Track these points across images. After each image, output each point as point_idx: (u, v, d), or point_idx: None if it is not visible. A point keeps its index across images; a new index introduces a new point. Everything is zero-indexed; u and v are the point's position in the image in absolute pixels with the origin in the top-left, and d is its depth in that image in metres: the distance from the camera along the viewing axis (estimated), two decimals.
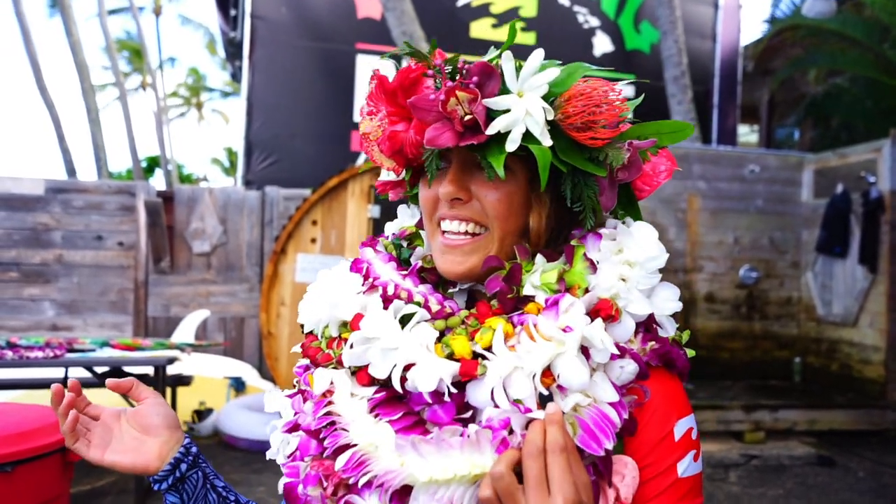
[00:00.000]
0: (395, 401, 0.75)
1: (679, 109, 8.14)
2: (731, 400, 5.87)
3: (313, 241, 6.34)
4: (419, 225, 0.94)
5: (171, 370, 4.84)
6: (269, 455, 0.89)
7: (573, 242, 0.80)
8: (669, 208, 6.72)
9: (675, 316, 0.81)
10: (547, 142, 0.75)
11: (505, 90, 0.75)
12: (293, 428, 0.83)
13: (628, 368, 0.74)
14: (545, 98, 0.76)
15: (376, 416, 0.74)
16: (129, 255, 6.82)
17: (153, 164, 24.49)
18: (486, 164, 0.77)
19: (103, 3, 16.77)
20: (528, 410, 0.69)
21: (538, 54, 0.75)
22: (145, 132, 60.24)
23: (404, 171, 0.91)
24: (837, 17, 8.63)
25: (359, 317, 0.79)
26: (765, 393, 6.30)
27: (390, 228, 0.98)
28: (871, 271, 6.13)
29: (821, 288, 6.80)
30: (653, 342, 0.78)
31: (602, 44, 9.42)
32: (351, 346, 0.77)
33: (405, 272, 0.86)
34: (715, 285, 6.86)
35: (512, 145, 0.74)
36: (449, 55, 0.80)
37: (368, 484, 0.71)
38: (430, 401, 0.72)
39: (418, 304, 0.80)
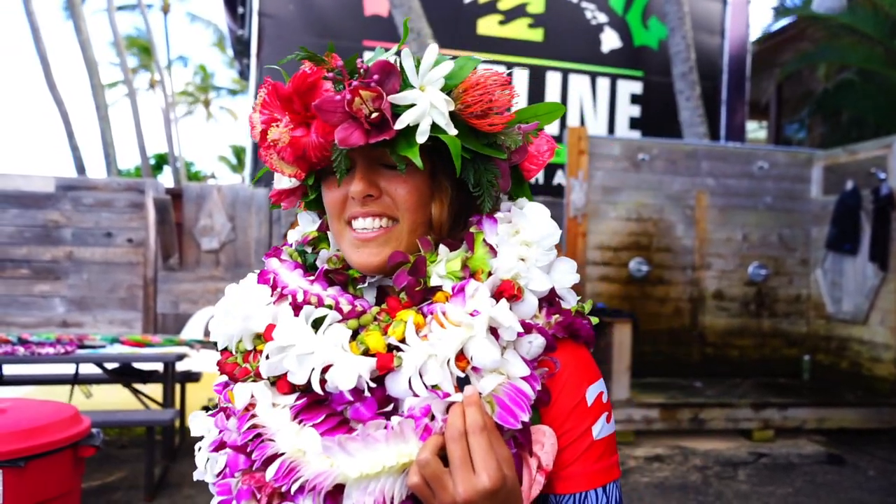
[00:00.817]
0: (317, 405, 0.76)
1: (687, 106, 8.11)
2: (739, 398, 5.85)
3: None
4: (321, 229, 0.95)
5: (180, 366, 4.87)
6: (196, 476, 0.88)
7: (472, 229, 0.84)
8: (678, 205, 6.70)
9: (576, 288, 0.86)
10: (452, 131, 0.77)
11: (405, 86, 0.78)
12: (219, 446, 0.82)
13: (536, 342, 0.77)
14: (442, 91, 0.79)
15: (300, 422, 0.75)
16: (139, 252, 6.86)
17: (161, 161, 24.60)
18: (398, 159, 0.78)
19: (112, 0, 16.83)
20: (447, 395, 0.71)
21: (433, 49, 0.78)
22: (154, 130, 60.44)
23: (306, 177, 0.89)
24: (848, 11, 8.57)
25: (271, 327, 0.80)
26: (774, 391, 6.27)
27: (293, 236, 0.98)
28: (881, 269, 6.09)
29: (830, 285, 6.76)
30: (557, 315, 0.81)
31: (610, 40, 9.39)
32: (267, 357, 0.77)
33: (312, 277, 0.87)
34: (723, 282, 6.83)
35: (422, 137, 0.76)
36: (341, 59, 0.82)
37: (301, 489, 0.72)
38: (351, 399, 0.73)
39: (329, 307, 0.81)
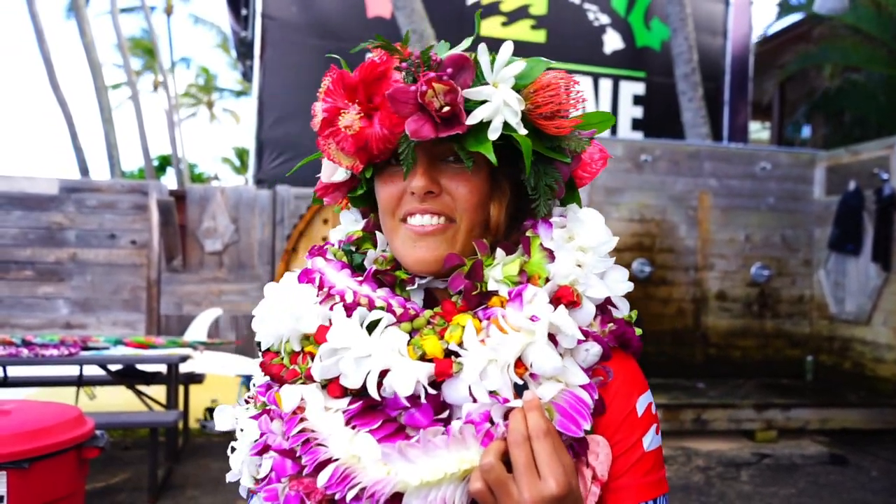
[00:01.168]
0: (371, 410, 0.74)
1: (689, 107, 8.11)
2: (742, 398, 5.85)
3: (324, 239, 6.36)
4: (366, 229, 0.92)
5: (183, 368, 4.88)
6: (230, 477, 0.86)
7: (528, 233, 0.82)
8: (680, 206, 6.69)
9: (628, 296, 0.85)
10: (522, 130, 0.76)
11: (477, 83, 0.77)
12: (263, 450, 0.80)
13: (593, 351, 0.76)
14: (512, 90, 0.78)
15: (354, 427, 0.73)
16: (142, 254, 6.88)
17: (165, 163, 24.65)
18: (465, 155, 0.77)
19: (115, 2, 16.88)
20: (507, 401, 0.70)
21: (508, 46, 0.77)
22: (157, 131, 60.60)
23: (363, 170, 0.86)
24: (851, 11, 8.56)
25: (323, 328, 0.77)
26: (776, 392, 6.27)
27: (335, 235, 0.96)
28: (884, 269, 6.08)
29: (833, 286, 6.76)
30: (611, 324, 0.80)
31: (612, 41, 9.39)
32: (320, 359, 0.75)
33: (360, 278, 0.84)
34: (726, 283, 6.83)
35: (494, 134, 0.75)
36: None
37: (356, 497, 0.70)
38: (406, 405, 0.72)
39: (381, 309, 0.79)
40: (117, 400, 5.14)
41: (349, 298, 0.80)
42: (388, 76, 0.77)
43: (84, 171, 14.38)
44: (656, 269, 6.61)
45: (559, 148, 0.81)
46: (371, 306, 0.79)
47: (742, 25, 10.00)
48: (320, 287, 0.83)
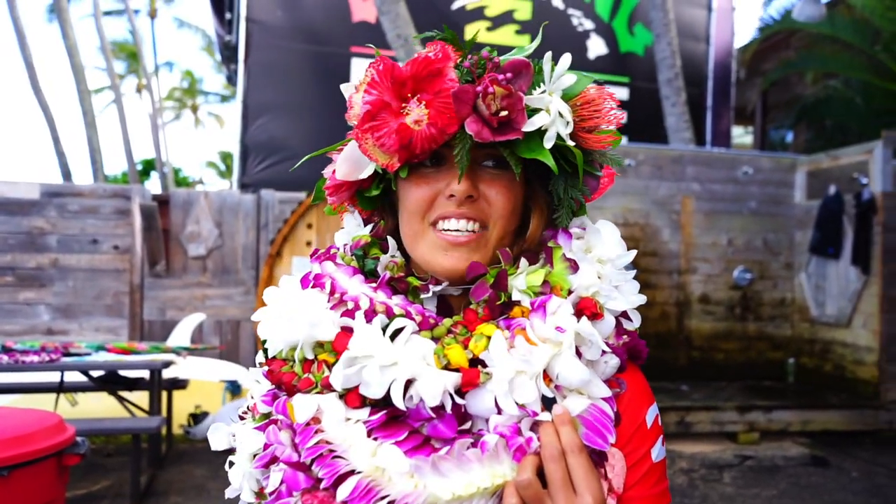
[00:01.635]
0: (394, 421, 0.72)
1: (673, 112, 8.18)
2: (725, 401, 5.90)
3: (309, 244, 6.35)
4: (375, 234, 0.88)
5: (166, 374, 4.85)
6: (229, 493, 0.83)
7: (550, 244, 0.81)
8: (663, 210, 6.75)
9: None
10: (570, 142, 0.77)
11: (530, 90, 0.77)
12: (270, 462, 0.76)
13: (611, 363, 0.76)
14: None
15: (375, 439, 0.70)
16: (125, 259, 6.82)
17: (149, 167, 24.47)
18: (515, 162, 0.76)
19: (98, 5, 16.77)
20: (535, 414, 0.70)
21: (567, 58, 0.77)
22: (142, 135, 60.18)
23: (399, 168, 0.81)
24: (828, 20, 8.68)
25: (343, 336, 0.74)
26: (759, 394, 6.33)
27: (341, 239, 0.92)
28: (863, 272, 6.16)
29: (814, 289, 6.84)
30: (625, 336, 0.80)
31: (596, 46, 9.45)
32: (341, 368, 0.72)
33: (374, 284, 0.81)
34: (709, 286, 6.89)
35: (549, 143, 0.75)
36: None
37: None
38: (432, 416, 0.70)
39: (401, 316, 0.76)
40: (99, 406, 5.10)
41: (364, 305, 0.77)
42: (443, 74, 0.75)
43: (66, 175, 14.25)
44: (640, 272, 6.64)
45: (591, 162, 0.83)
46: (389, 314, 0.76)
47: (724, 31, 10.11)
48: (331, 292, 0.80)
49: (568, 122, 0.76)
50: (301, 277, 0.86)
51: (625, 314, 0.81)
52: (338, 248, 0.89)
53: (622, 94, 9.46)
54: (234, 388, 5.80)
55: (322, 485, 0.70)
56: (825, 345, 6.73)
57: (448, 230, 0.80)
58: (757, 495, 4.57)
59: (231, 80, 14.10)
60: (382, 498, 0.68)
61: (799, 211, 7.04)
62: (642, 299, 0.82)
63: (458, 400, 0.70)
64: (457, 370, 0.71)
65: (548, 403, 0.71)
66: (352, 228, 0.92)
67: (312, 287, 0.82)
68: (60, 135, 14.37)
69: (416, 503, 0.67)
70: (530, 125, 0.74)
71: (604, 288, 0.77)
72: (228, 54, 10.84)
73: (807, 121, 10.27)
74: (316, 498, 0.71)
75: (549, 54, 0.77)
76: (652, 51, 8.89)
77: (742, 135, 15.89)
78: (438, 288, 0.82)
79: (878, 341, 6.06)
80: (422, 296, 0.82)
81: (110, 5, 21.47)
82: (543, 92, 0.77)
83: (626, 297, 0.80)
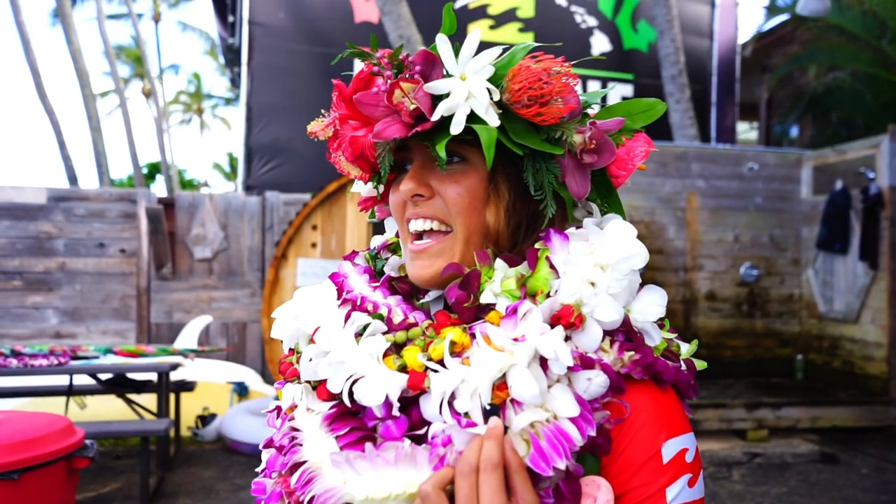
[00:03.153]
0: (348, 416, 0.72)
1: (677, 108, 8.15)
2: (733, 398, 5.88)
3: (314, 245, 6.36)
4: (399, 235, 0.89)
5: (174, 376, 4.87)
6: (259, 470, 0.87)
7: (537, 245, 0.75)
8: (668, 207, 6.73)
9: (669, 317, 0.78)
10: (493, 122, 0.71)
11: (448, 76, 0.73)
12: (268, 444, 0.81)
13: (596, 381, 0.67)
14: (493, 80, 0.73)
15: (330, 430, 0.71)
16: (132, 262, 6.85)
17: (154, 170, 24.57)
18: (436, 153, 0.72)
19: (102, 9, 16.84)
20: (472, 425, 0.64)
21: (475, 35, 0.72)
22: (148, 138, 60.40)
23: (370, 178, 0.85)
24: (836, 12, 8.64)
25: (316, 330, 0.77)
26: (767, 391, 6.30)
27: (376, 241, 0.94)
28: (871, 267, 6.13)
29: (822, 285, 6.81)
30: (632, 352, 0.70)
31: (600, 43, 9.44)
32: (309, 360, 0.75)
33: (376, 284, 0.83)
34: (716, 283, 6.87)
35: (456, 128, 0.70)
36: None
37: (312, 501, 0.68)
38: (380, 415, 0.69)
39: (380, 316, 0.76)
40: (108, 409, 5.12)
41: (359, 303, 0.79)
42: (372, 83, 0.75)
43: (72, 179, 14.32)
44: (645, 270, 6.61)
45: (553, 140, 0.74)
46: (374, 312, 0.78)
47: (728, 27, 10.08)
48: (341, 291, 0.83)
49: (484, 103, 0.70)
50: (331, 276, 0.89)
51: (628, 325, 0.72)
52: (369, 249, 0.93)
53: (626, 90, 9.45)
54: (242, 390, 5.82)
55: (284, 470, 0.74)
56: (833, 341, 6.70)
57: (415, 231, 0.79)
58: (766, 493, 4.56)
59: (235, 82, 14.15)
60: (311, 489, 0.69)
61: (805, 206, 7.01)
62: (661, 312, 0.74)
63: (396, 403, 0.68)
64: (408, 373, 0.70)
65: (487, 416, 0.65)
66: (390, 232, 0.95)
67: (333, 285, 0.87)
68: (66, 139, 14.44)
69: (333, 499, 0.67)
70: (434, 114, 0.70)
71: (591, 295, 0.69)
72: (232, 57, 10.87)
73: (812, 115, 10.23)
74: (286, 482, 0.74)
75: (441, 35, 0.72)
76: (655, 47, 8.87)
77: (747, 130, 15.83)
78: (437, 293, 0.81)
79: (886, 337, 6.03)
80: (426, 298, 0.82)
81: (114, 9, 21.56)
82: (450, 76, 0.72)
83: (639, 307, 0.74)
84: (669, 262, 6.74)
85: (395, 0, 7.09)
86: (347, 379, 0.71)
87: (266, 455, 0.81)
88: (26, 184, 7.08)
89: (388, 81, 0.72)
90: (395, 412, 0.68)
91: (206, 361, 6.24)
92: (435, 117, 0.70)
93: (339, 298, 0.82)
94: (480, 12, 9.01)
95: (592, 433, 0.66)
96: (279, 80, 8.36)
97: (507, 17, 9.08)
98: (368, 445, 0.67)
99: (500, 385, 0.66)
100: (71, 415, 4.30)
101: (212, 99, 28.14)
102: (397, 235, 0.90)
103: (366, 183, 0.87)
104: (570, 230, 0.76)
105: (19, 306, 6.69)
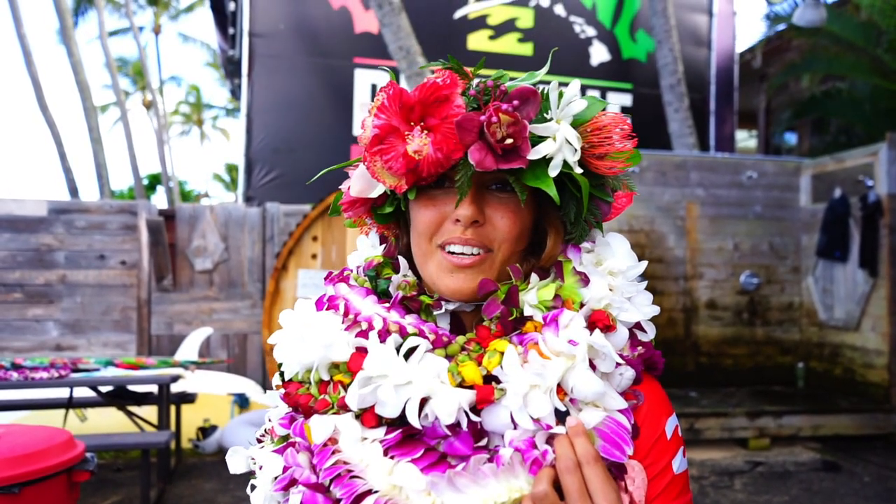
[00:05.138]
0: (410, 439, 0.73)
1: (676, 117, 8.18)
2: (734, 407, 5.87)
3: (314, 256, 6.37)
4: (387, 254, 0.91)
5: (175, 388, 4.86)
6: None
7: (560, 258, 0.82)
8: (668, 216, 6.74)
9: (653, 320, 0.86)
10: (578, 169, 0.77)
11: (539, 117, 0.77)
12: (289, 484, 0.76)
13: (627, 375, 0.76)
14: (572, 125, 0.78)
15: (392, 457, 0.71)
16: (132, 274, 6.86)
17: (155, 181, 24.63)
18: (520, 189, 0.77)
19: (104, 25, 16.92)
20: (550, 427, 0.70)
21: (576, 85, 0.77)
22: (148, 149, 60.51)
23: (406, 191, 0.82)
24: (833, 20, 8.68)
25: (358, 356, 0.76)
26: (768, 399, 6.29)
27: (353, 261, 0.93)
28: (871, 275, 6.13)
29: (822, 292, 6.81)
30: (640, 347, 0.80)
31: (599, 53, 9.48)
32: (356, 388, 0.73)
33: (387, 304, 0.82)
34: (716, 292, 6.87)
35: (555, 171, 0.75)
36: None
37: None
38: (447, 433, 0.71)
39: (415, 335, 0.77)
40: (108, 421, 5.11)
41: (378, 325, 0.78)
42: (451, 100, 0.76)
43: (73, 192, 14.36)
44: (646, 279, 6.63)
45: (602, 186, 0.83)
46: (403, 333, 0.78)
47: (726, 36, 10.13)
48: (345, 314, 0.81)
49: (576, 150, 0.76)
50: (316, 300, 0.87)
51: (639, 325, 0.82)
52: (351, 270, 0.91)
53: (625, 100, 9.49)
54: (243, 402, 5.81)
55: None
56: (834, 348, 6.69)
57: (453, 253, 0.81)
58: (768, 501, 4.54)
59: (235, 93, 14.20)
60: None
61: (805, 214, 7.02)
62: (656, 310, 0.82)
63: (474, 417, 0.70)
64: (471, 387, 0.72)
65: (561, 417, 0.71)
66: (365, 250, 0.94)
67: (327, 309, 0.84)
68: (67, 152, 14.48)
69: None
70: (535, 153, 0.74)
71: (616, 300, 0.78)
72: (232, 68, 10.91)
73: (811, 122, 10.25)
74: None
75: (555, 82, 0.76)
76: (654, 57, 8.91)
77: (746, 139, 15.87)
78: (452, 306, 0.83)
79: (887, 344, 6.03)
80: (435, 313, 0.83)
81: (115, 22, 21.68)
82: (550, 119, 0.77)
83: (639, 308, 0.81)
84: (669, 270, 6.75)
85: (395, 12, 7.12)
86: (408, 401, 0.71)
87: (293, 496, 0.75)
88: (27, 196, 7.09)
89: (490, 109, 0.73)
90: (464, 427, 0.71)
91: (207, 373, 6.24)
92: (535, 157, 0.75)
93: (345, 322, 0.81)
94: (480, 23, 9.05)
95: (633, 421, 0.75)
96: (279, 91, 8.39)
97: (507, 27, 9.12)
98: (471, 461, 0.69)
99: (557, 388, 0.72)
100: (71, 427, 4.30)
101: (212, 110, 28.25)
102: (385, 254, 0.90)
103: (399, 193, 0.82)
104: (584, 244, 0.84)
105: (20, 319, 6.69)
